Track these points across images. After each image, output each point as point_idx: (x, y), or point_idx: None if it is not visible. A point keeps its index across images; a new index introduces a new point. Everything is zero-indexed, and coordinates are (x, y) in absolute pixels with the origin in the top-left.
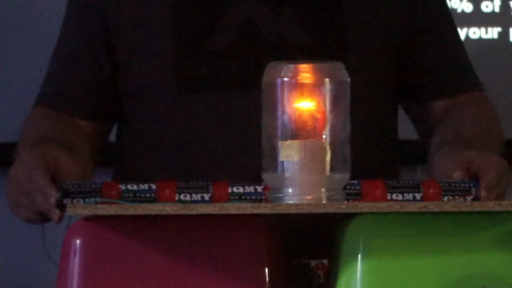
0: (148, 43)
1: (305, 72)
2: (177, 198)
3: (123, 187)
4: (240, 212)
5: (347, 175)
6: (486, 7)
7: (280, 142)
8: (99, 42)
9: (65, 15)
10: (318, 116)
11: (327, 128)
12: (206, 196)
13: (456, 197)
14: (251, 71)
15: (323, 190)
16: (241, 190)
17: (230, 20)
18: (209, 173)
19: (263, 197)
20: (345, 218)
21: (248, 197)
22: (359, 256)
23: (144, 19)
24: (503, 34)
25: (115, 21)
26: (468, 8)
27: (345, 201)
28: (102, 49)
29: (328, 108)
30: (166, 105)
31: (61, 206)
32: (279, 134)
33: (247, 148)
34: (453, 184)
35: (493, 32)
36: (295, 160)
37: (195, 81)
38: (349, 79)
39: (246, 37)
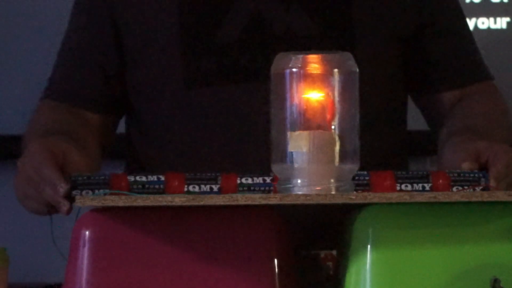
0: (155, 38)
1: (314, 63)
2: (186, 189)
3: (131, 178)
4: (249, 203)
5: (356, 166)
6: None
7: (289, 133)
8: (107, 35)
9: (73, 8)
10: (327, 106)
11: (336, 118)
12: (215, 187)
13: (466, 187)
14: (259, 64)
15: (332, 180)
16: (250, 181)
17: (238, 13)
18: (218, 165)
19: (272, 188)
20: (354, 209)
21: (257, 188)
22: (369, 246)
23: (151, 13)
24: None
25: (123, 15)
26: None
27: (354, 192)
28: (109, 42)
29: (337, 98)
30: (174, 99)
31: (70, 198)
32: (288, 125)
33: (256, 140)
34: (462, 175)
35: (502, 22)
36: (304, 151)
37: (203, 75)
38: (357, 70)
39: (254, 30)
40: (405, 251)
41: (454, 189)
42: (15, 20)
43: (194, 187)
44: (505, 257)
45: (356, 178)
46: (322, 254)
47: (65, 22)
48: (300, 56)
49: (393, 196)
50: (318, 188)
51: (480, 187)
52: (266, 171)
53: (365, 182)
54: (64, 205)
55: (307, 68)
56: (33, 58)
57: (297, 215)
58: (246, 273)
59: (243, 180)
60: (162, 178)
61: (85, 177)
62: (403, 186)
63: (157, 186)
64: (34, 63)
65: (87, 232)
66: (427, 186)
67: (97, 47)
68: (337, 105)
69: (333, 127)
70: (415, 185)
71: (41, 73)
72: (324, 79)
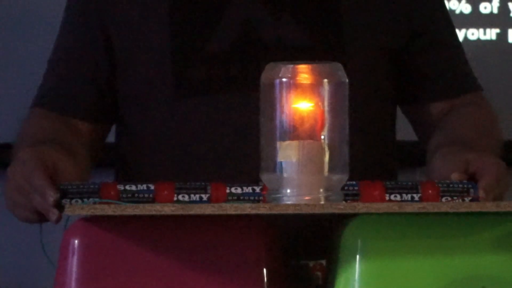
0: (146, 47)
1: (304, 73)
2: (175, 198)
3: (121, 187)
4: (239, 212)
5: (345, 176)
6: (484, 8)
7: (278, 143)
8: (97, 43)
9: (64, 16)
10: (317, 116)
11: (326, 128)
12: (205, 197)
13: (455, 198)
14: (249, 74)
15: (321, 190)
16: (239, 190)
17: (229, 23)
18: (207, 175)
19: (261, 197)
20: (344, 218)
21: (246, 198)
22: (358, 256)
23: (142, 22)
24: (502, 35)
25: (114, 24)
26: (467, 9)
27: (343, 202)
28: (100, 50)
29: (326, 108)
30: (164, 108)
31: (60, 206)
32: (278, 134)
33: (245, 149)
34: (451, 185)
35: (491, 33)
36: (294, 160)
37: (193, 85)
38: (347, 80)
39: (244, 40)
40: (394, 262)
41: (443, 199)
42: (7, 28)
43: (183, 196)
44: (493, 268)
45: (345, 188)
46: (311, 264)
47: (51, 30)
48: (290, 66)
49: (382, 206)
50: (307, 198)
51: (469, 198)
52: (256, 181)
53: (354, 192)
54: (54, 214)
55: (297, 78)
56: (24, 66)
57: (286, 225)
58: (235, 282)
59: (233, 190)
60: (152, 187)
61: (74, 186)
62: (392, 196)
63: (146, 195)
64: (25, 71)
65: (76, 241)
66: (416, 197)
67: (88, 55)
68: (326, 115)
69: (322, 137)
70: (404, 195)
71: (34, 81)
72: (314, 89)
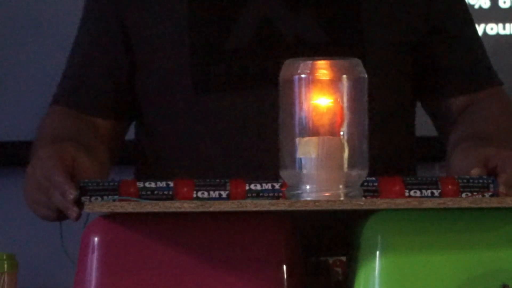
0: (165, 43)
1: (323, 69)
2: (194, 195)
3: (141, 184)
4: (258, 209)
5: (365, 172)
6: (503, 3)
7: (297, 139)
8: (116, 40)
9: (83, 14)
10: (336, 112)
11: (345, 124)
12: (224, 194)
13: (475, 193)
14: (268, 70)
15: (340, 187)
16: (258, 187)
17: (247, 19)
18: (227, 171)
19: (280, 194)
20: (363, 215)
21: (265, 194)
22: (378, 253)
23: (160, 19)
24: None
25: (132, 21)
26: (486, 4)
27: (363, 198)
28: (119, 47)
29: (345, 104)
30: (183, 105)
31: (79, 204)
32: (297, 131)
33: (264, 146)
34: (471, 181)
35: (511, 28)
36: (313, 156)
37: (212, 81)
38: (366, 76)
39: (263, 36)
40: (414, 257)
41: (463, 195)
42: (21, 26)
43: (203, 193)
44: None
45: (365, 184)
46: (331, 260)
47: (71, 28)
48: (309, 62)
49: (402, 202)
50: (327, 194)
51: (489, 193)
52: (275, 177)
53: (374, 188)
54: (73, 211)
55: (316, 74)
56: (42, 64)
57: (306, 221)
58: (255, 279)
59: (252, 186)
60: (171, 184)
61: (94, 183)
62: (412, 192)
63: (166, 192)
64: (43, 69)
65: (96, 238)
66: (436, 192)
67: (106, 53)
68: (345, 111)
69: (341, 133)
70: (424, 191)
71: (51, 79)
72: (332, 85)
